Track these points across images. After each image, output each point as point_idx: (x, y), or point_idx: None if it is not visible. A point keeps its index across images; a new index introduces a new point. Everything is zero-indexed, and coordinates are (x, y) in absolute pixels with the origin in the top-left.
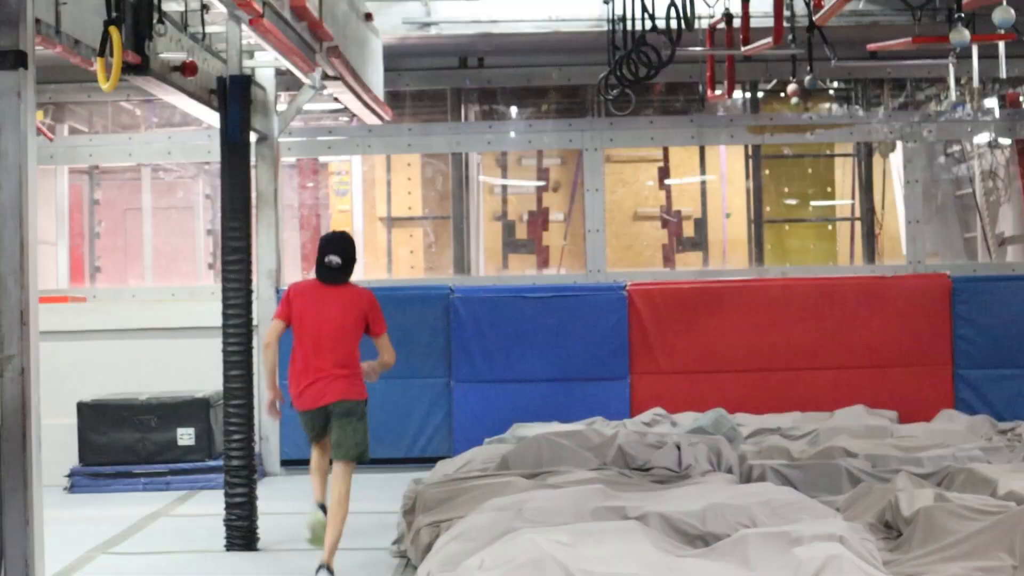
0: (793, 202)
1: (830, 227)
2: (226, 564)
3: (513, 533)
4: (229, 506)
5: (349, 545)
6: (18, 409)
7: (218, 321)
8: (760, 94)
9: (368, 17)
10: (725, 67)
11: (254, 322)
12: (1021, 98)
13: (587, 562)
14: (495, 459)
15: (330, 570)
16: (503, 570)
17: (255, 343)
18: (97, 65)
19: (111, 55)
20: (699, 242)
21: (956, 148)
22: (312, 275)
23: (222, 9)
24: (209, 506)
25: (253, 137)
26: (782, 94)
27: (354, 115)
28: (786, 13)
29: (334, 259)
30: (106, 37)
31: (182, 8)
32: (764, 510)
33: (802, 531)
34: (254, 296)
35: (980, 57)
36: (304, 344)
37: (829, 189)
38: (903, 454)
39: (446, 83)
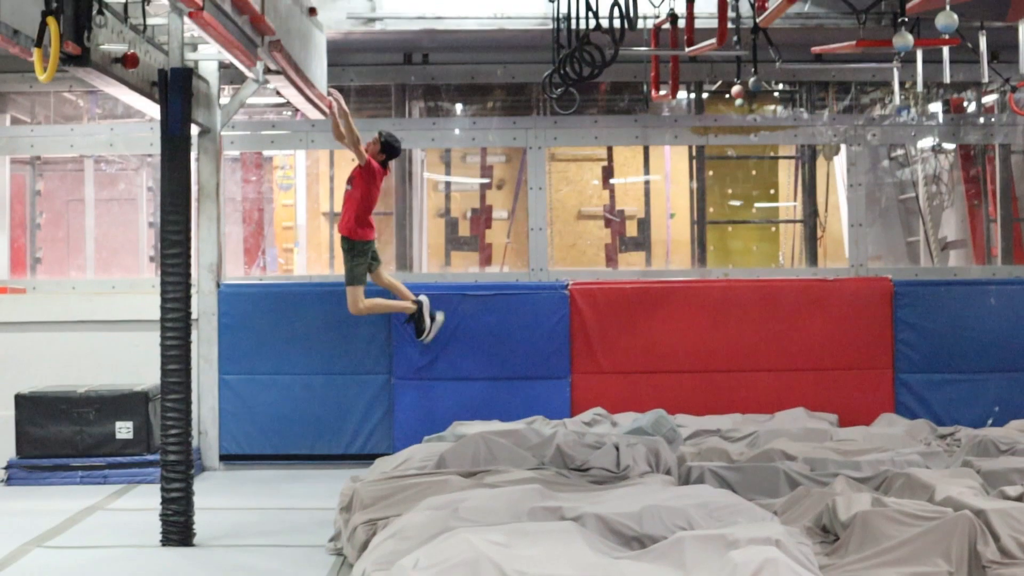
0: (737, 203)
1: (773, 229)
2: (161, 559)
3: (449, 532)
4: (165, 501)
5: (285, 542)
6: None
7: (158, 314)
8: (704, 95)
9: (312, 12)
10: (670, 67)
11: (193, 316)
12: (965, 103)
13: (522, 563)
14: (433, 457)
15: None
16: (438, 569)
17: (194, 337)
18: (35, 55)
19: (50, 45)
20: (642, 242)
21: (900, 152)
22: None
23: (164, 1)
24: (146, 500)
25: (195, 130)
26: (727, 95)
27: (298, 110)
28: (731, 14)
29: None
30: (44, 27)
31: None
32: (701, 512)
33: (738, 534)
34: (194, 290)
35: (924, 62)
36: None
37: (773, 191)
38: (842, 458)
39: (391, 79)
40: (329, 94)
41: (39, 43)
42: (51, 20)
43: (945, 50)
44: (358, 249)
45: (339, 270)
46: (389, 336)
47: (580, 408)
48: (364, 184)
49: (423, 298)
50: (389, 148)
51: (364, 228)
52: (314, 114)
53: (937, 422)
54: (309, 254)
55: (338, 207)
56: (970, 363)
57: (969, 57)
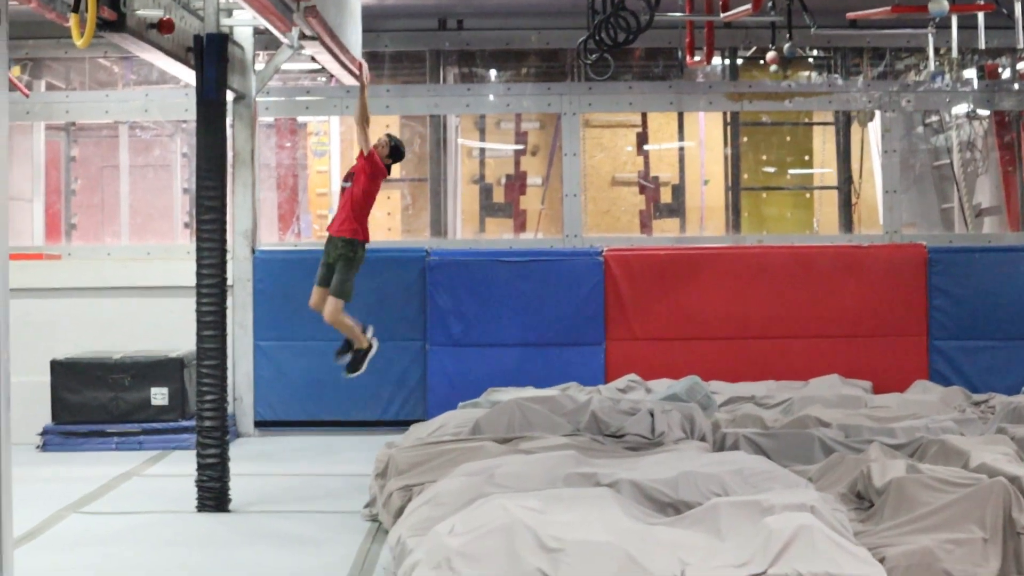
0: (771, 170)
1: (807, 195)
2: (197, 525)
3: (484, 499)
4: (201, 467)
5: (320, 508)
6: None
7: (193, 281)
8: (739, 61)
9: None
10: (704, 33)
11: (229, 282)
12: (1000, 69)
13: (557, 528)
14: (468, 423)
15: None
16: (473, 535)
17: (229, 303)
18: (71, 21)
19: (86, 11)
20: (676, 208)
21: (934, 118)
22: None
23: None
24: (181, 466)
25: (230, 96)
26: (761, 61)
27: (332, 75)
28: None
29: None
30: None
31: None
32: (736, 479)
33: (773, 500)
34: (229, 256)
35: (959, 27)
36: None
37: (807, 157)
38: (876, 424)
39: (425, 45)
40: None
41: (76, 8)
42: None
43: (980, 15)
44: (358, 256)
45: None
46: (424, 302)
47: (614, 375)
48: (367, 181)
49: (374, 342)
50: (397, 153)
51: (365, 229)
52: (349, 80)
53: (971, 389)
54: None
55: None
56: (1004, 330)
57: (1004, 22)
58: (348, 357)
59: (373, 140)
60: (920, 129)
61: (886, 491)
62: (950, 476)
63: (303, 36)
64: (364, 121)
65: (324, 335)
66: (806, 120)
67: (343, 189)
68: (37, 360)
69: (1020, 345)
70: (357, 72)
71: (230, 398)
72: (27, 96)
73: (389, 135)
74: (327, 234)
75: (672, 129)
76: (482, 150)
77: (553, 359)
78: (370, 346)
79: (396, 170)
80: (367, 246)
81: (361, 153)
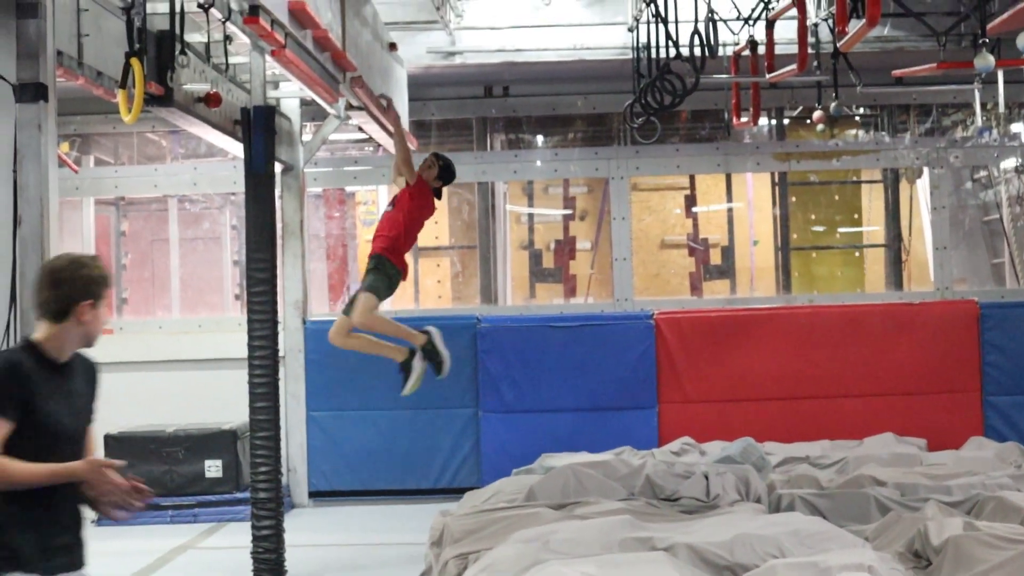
0: (820, 229)
1: (857, 254)
2: None
3: (540, 565)
4: (256, 539)
5: None
6: None
7: (245, 352)
8: (786, 121)
9: (392, 47)
10: (750, 94)
11: (280, 353)
12: None
13: None
14: (523, 490)
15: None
16: None
17: (281, 374)
18: (119, 97)
19: (133, 87)
20: (726, 270)
21: (983, 173)
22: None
23: (245, 40)
24: (237, 538)
25: (278, 167)
26: (808, 121)
27: (380, 144)
28: (811, 39)
29: None
30: (128, 69)
31: (205, 39)
32: (793, 540)
33: (831, 561)
34: (280, 327)
35: (1006, 82)
36: None
37: (856, 216)
38: (932, 482)
39: (472, 112)
40: (382, 97)
41: (123, 84)
42: (135, 61)
43: None
44: (385, 269)
45: (425, 304)
46: (475, 369)
47: (667, 438)
48: (411, 205)
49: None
50: (447, 172)
51: (398, 254)
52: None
53: None
54: None
55: (423, 240)
56: None
57: None
58: (411, 383)
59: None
60: (969, 184)
61: (944, 549)
62: (1008, 533)
63: (350, 106)
64: (407, 157)
65: (376, 404)
66: (854, 178)
67: (385, 212)
68: None
69: None
70: (384, 107)
71: (284, 469)
72: (76, 172)
73: (435, 154)
74: None
75: (720, 190)
76: (531, 216)
77: (606, 423)
78: (413, 351)
79: (446, 237)
80: (401, 273)
81: (407, 185)
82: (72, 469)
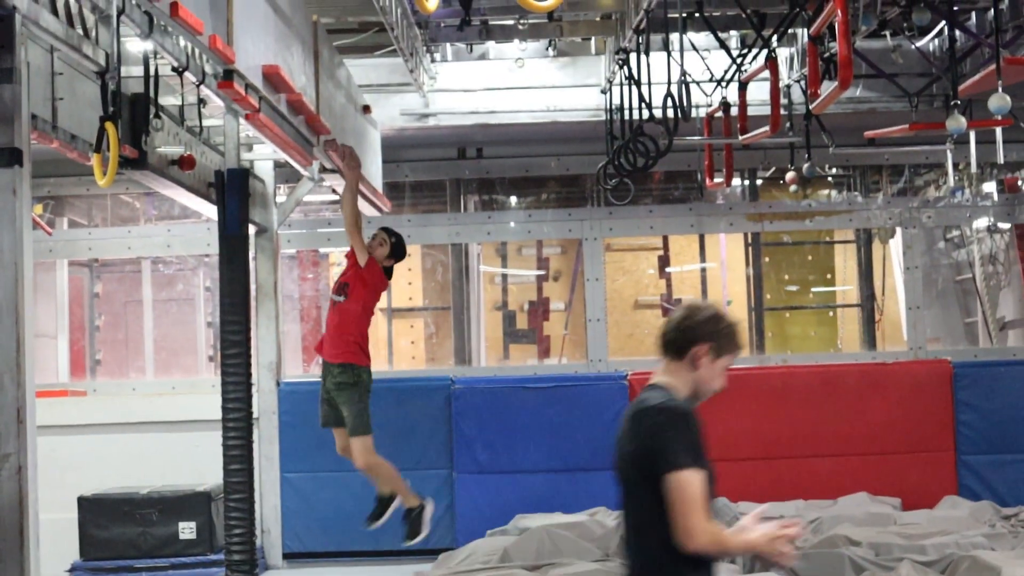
0: (793, 289)
1: (831, 313)
2: None
3: None
4: None
5: None
6: (15, 507)
7: (219, 414)
8: (759, 182)
9: (366, 109)
10: (723, 155)
11: (254, 415)
12: (1020, 182)
13: None
14: (497, 551)
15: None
16: None
17: (255, 436)
18: (94, 160)
19: (108, 150)
20: None
21: (955, 233)
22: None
23: (219, 103)
24: None
25: (252, 229)
26: (781, 181)
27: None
28: (783, 101)
29: None
30: (102, 132)
31: (179, 102)
32: None
33: None
34: (254, 389)
35: (978, 142)
36: None
37: (829, 276)
38: (906, 542)
39: (445, 174)
40: (340, 146)
41: (97, 148)
42: (109, 125)
43: (998, 131)
44: (363, 381)
45: (399, 365)
46: (450, 430)
47: None
48: (367, 294)
49: (428, 501)
50: (399, 250)
51: (365, 352)
52: (370, 211)
53: (1001, 503)
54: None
55: (396, 302)
56: None
57: (1022, 136)
58: (382, 520)
59: (398, 281)
60: (941, 244)
61: None
62: None
63: (323, 169)
64: (356, 223)
65: (350, 465)
66: (827, 239)
67: (333, 303)
68: (64, 497)
69: None
70: (340, 163)
71: (258, 531)
72: (49, 234)
73: (386, 229)
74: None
75: (693, 251)
76: (504, 277)
77: (581, 484)
78: (422, 505)
79: (419, 298)
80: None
81: (354, 262)
82: (753, 543)
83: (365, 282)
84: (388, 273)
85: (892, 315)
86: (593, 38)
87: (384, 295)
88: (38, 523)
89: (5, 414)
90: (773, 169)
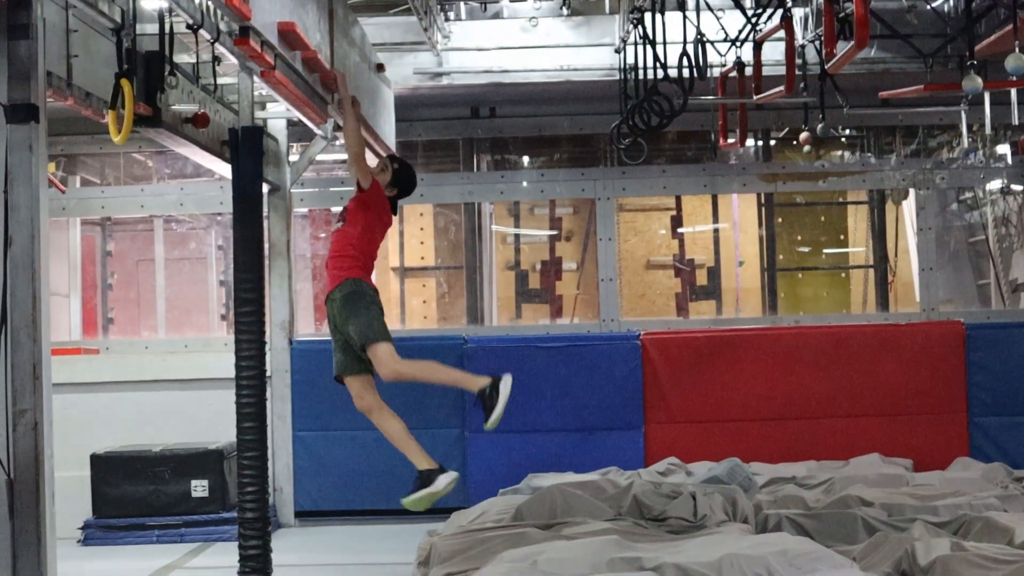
0: (806, 250)
1: (843, 275)
2: None
3: None
4: (243, 559)
5: None
6: (31, 462)
7: (231, 372)
8: (772, 142)
9: (380, 68)
10: (737, 115)
11: (267, 373)
12: None
13: None
14: (510, 510)
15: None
16: None
17: (268, 394)
18: (109, 118)
19: (123, 107)
20: (712, 291)
21: (969, 195)
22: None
23: (234, 61)
24: (223, 558)
25: (265, 188)
26: (794, 142)
27: None
28: (798, 61)
29: None
30: (118, 90)
31: (194, 60)
32: (780, 560)
33: None
34: (267, 348)
35: (992, 104)
36: None
37: (842, 237)
38: (919, 503)
39: (458, 133)
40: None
41: (112, 105)
42: (125, 82)
43: (1013, 92)
44: (365, 291)
45: (411, 325)
46: (462, 390)
47: (654, 458)
48: (365, 216)
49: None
50: (405, 178)
51: (366, 268)
52: None
53: (1012, 465)
54: None
55: (409, 261)
56: None
57: None
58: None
59: (410, 241)
60: (954, 206)
61: (931, 570)
62: (995, 553)
63: (337, 127)
64: (360, 152)
65: (363, 424)
66: (840, 200)
67: (335, 230)
68: (77, 455)
69: None
70: (344, 90)
71: (270, 489)
72: (63, 192)
73: (392, 155)
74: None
75: (706, 212)
76: (517, 236)
77: (592, 443)
78: (494, 383)
79: (432, 258)
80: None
81: (358, 191)
82: None
83: (366, 204)
84: (394, 208)
85: (905, 276)
86: None
87: (395, 254)
88: (53, 480)
89: (21, 370)
90: (787, 129)
